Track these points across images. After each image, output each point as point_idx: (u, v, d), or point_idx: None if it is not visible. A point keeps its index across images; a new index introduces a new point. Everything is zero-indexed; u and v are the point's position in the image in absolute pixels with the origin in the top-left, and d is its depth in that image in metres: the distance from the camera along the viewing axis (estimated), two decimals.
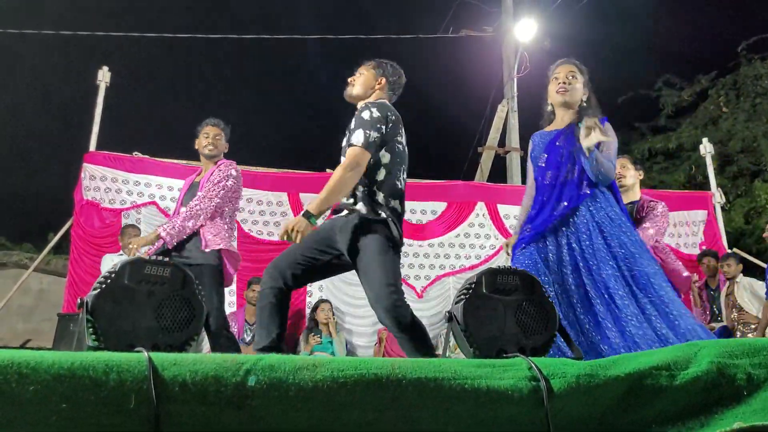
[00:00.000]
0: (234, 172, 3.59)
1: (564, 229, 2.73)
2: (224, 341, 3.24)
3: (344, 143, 2.75)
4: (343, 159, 2.68)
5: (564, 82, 2.89)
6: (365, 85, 2.86)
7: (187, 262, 3.32)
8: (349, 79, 2.91)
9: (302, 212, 2.51)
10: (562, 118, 2.94)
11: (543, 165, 2.89)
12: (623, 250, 2.61)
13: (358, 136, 2.61)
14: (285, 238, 2.48)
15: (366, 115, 2.66)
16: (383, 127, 2.65)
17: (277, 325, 2.53)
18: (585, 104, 2.92)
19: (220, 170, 3.57)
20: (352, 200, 2.65)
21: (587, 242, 2.66)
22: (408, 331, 2.44)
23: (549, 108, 3.01)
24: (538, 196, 2.88)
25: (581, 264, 2.63)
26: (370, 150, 2.61)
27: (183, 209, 3.48)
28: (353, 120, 2.73)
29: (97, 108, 6.28)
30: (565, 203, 2.73)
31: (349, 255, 2.57)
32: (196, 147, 3.71)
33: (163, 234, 3.34)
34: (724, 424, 1.36)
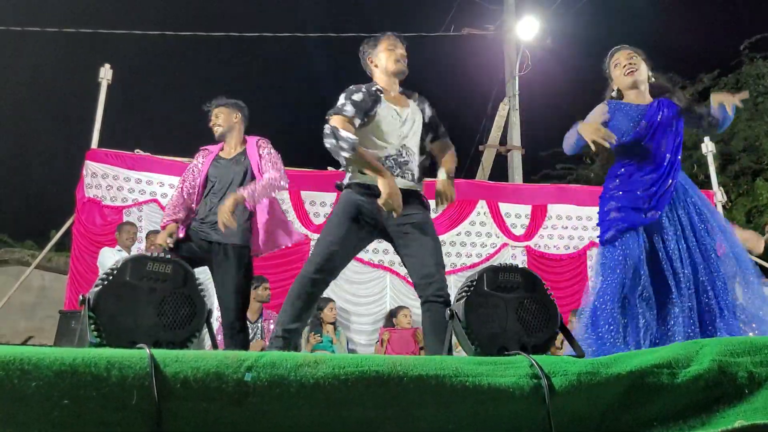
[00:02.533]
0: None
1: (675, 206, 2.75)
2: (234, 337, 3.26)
3: (422, 133, 2.90)
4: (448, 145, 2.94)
5: (629, 63, 2.93)
6: None
7: (219, 240, 3.30)
8: (403, 55, 2.91)
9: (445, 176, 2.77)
10: (639, 95, 2.94)
11: (641, 131, 2.85)
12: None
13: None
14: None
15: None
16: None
17: (308, 314, 2.62)
18: (654, 79, 2.98)
19: (262, 144, 3.53)
20: (411, 175, 2.78)
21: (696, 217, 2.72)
22: (445, 305, 2.47)
23: (615, 94, 3.01)
24: (644, 167, 2.81)
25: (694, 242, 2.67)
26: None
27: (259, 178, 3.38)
28: (429, 109, 2.95)
29: (98, 106, 6.28)
30: (671, 181, 2.74)
31: (396, 229, 2.66)
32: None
33: (246, 195, 3.25)
34: (726, 423, 1.36)
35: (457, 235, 6.72)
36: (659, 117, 2.85)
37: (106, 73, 6.35)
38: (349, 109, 2.70)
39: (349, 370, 1.30)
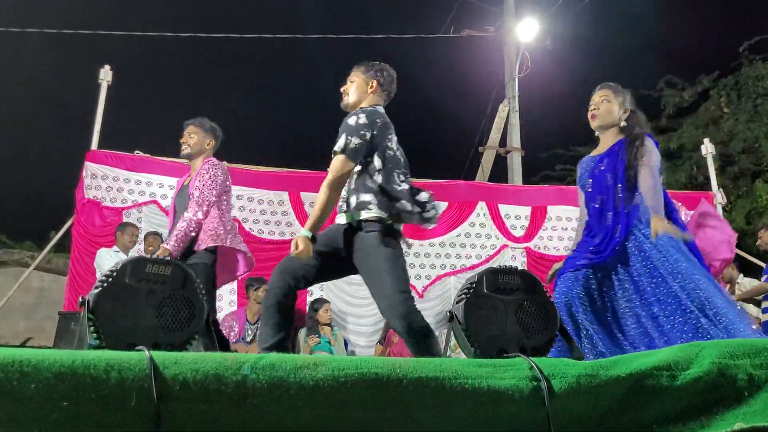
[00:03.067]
0: (220, 168, 3.61)
1: (619, 258, 2.74)
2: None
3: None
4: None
5: (594, 108, 2.95)
6: (358, 91, 2.83)
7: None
8: (342, 89, 2.88)
9: (301, 233, 2.55)
10: (604, 142, 2.97)
11: (590, 190, 2.91)
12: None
13: (339, 142, 2.63)
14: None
15: (352, 120, 2.67)
16: (368, 133, 2.63)
17: (283, 325, 2.53)
18: (625, 123, 2.93)
19: (205, 168, 3.59)
20: (346, 206, 2.66)
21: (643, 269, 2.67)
22: (419, 335, 2.45)
23: (597, 134, 3.03)
24: (591, 222, 2.88)
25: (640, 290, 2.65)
26: (349, 155, 2.60)
27: (179, 219, 3.50)
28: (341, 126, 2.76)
29: (98, 107, 6.28)
30: (618, 234, 2.72)
31: (355, 263, 2.60)
32: None
33: (169, 247, 3.38)
34: (725, 425, 1.36)
35: (457, 236, 6.72)
36: (598, 168, 2.87)
37: (106, 74, 6.34)
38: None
39: (348, 372, 1.30)
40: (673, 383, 1.42)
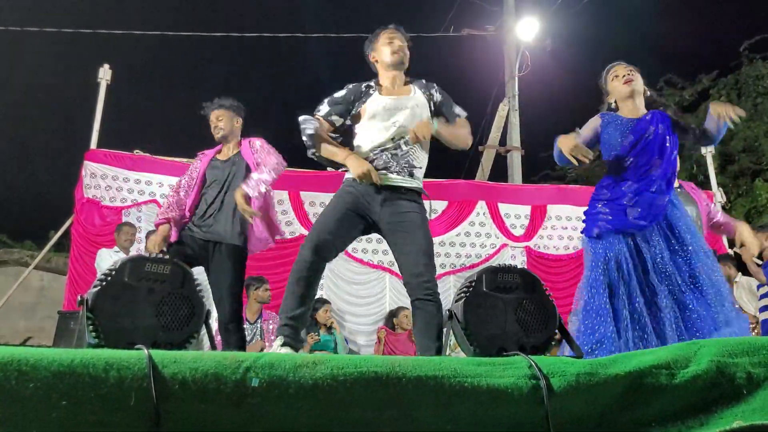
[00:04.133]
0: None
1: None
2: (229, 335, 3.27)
3: (421, 115, 2.75)
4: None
5: (629, 73, 2.97)
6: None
7: (218, 240, 3.35)
8: (401, 46, 2.85)
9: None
10: (634, 108, 2.97)
11: (627, 145, 2.88)
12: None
13: (460, 110, 2.85)
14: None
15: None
16: None
17: (308, 297, 2.57)
18: (649, 93, 3.02)
19: (258, 143, 3.57)
20: (411, 176, 2.68)
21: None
22: (436, 303, 2.51)
23: (613, 105, 3.04)
24: (628, 180, 2.86)
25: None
26: None
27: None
28: (438, 93, 2.84)
29: (97, 106, 6.28)
30: (665, 198, 2.77)
31: (389, 225, 2.61)
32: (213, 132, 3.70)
33: (249, 191, 3.28)
34: (724, 423, 1.36)
35: (457, 235, 6.72)
36: (649, 131, 2.87)
37: (105, 74, 6.34)
38: (323, 108, 2.75)
39: (347, 371, 1.30)
40: (672, 381, 1.42)
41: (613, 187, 2.87)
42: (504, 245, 6.83)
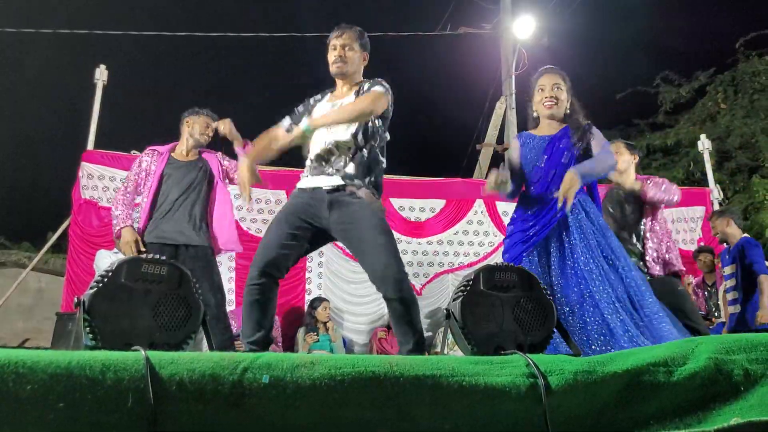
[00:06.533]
0: None
1: (557, 232, 2.79)
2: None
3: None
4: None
5: (550, 96, 2.94)
6: (359, 63, 2.87)
7: (186, 242, 3.40)
8: (340, 54, 2.79)
9: None
10: (550, 125, 2.98)
11: (542, 166, 2.91)
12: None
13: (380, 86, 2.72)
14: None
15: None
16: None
17: (267, 320, 2.55)
18: (569, 111, 2.97)
19: (220, 157, 3.73)
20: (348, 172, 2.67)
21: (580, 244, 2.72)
22: (408, 302, 2.50)
23: (535, 115, 3.04)
24: (537, 194, 2.89)
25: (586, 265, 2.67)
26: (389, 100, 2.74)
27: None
28: (369, 85, 2.75)
29: (94, 107, 6.27)
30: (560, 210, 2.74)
31: (341, 228, 2.61)
32: (188, 132, 3.75)
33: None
34: (722, 420, 1.36)
35: (455, 234, 6.72)
36: (552, 150, 2.89)
37: (101, 74, 6.33)
38: (285, 121, 2.83)
39: (345, 370, 1.30)
40: (670, 379, 1.42)
41: (520, 213, 3.01)
42: (502, 243, 6.83)
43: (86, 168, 5.95)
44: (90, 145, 6.10)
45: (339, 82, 2.84)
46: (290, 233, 2.61)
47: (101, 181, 5.98)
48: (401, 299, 2.48)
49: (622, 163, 3.74)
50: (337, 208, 2.59)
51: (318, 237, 2.69)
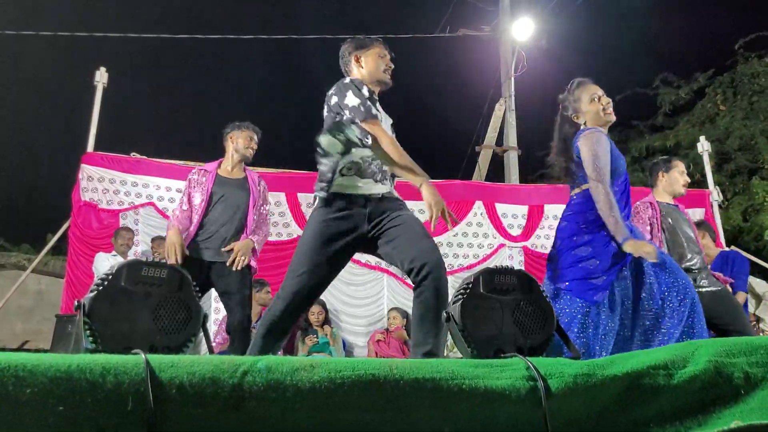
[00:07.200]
0: None
1: None
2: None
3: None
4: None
5: (610, 102, 2.88)
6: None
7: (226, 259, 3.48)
8: (391, 65, 2.82)
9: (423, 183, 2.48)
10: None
11: (623, 172, 2.89)
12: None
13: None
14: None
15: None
16: None
17: (278, 347, 2.54)
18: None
19: (260, 181, 3.80)
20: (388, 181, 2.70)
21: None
22: (444, 297, 2.34)
23: (582, 121, 2.92)
24: (624, 206, 2.89)
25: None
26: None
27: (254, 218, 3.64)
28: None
29: (94, 109, 6.27)
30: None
31: (398, 219, 2.55)
32: (233, 147, 3.74)
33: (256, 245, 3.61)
34: (722, 423, 1.36)
35: (454, 236, 6.73)
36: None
37: (101, 77, 6.34)
38: (375, 113, 2.58)
39: (345, 373, 1.30)
40: (670, 382, 1.42)
41: (599, 239, 2.97)
42: (501, 245, 6.83)
43: (86, 170, 5.95)
44: (90, 148, 6.11)
45: (376, 88, 2.76)
46: (322, 262, 2.55)
47: (101, 184, 5.98)
48: (437, 289, 2.32)
49: None
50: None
51: (355, 251, 2.71)
